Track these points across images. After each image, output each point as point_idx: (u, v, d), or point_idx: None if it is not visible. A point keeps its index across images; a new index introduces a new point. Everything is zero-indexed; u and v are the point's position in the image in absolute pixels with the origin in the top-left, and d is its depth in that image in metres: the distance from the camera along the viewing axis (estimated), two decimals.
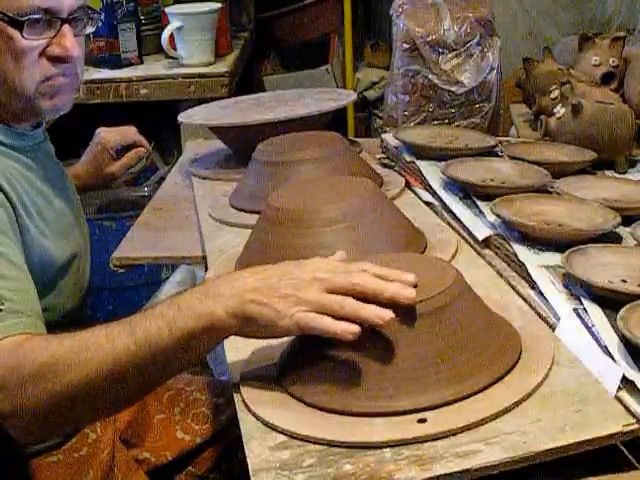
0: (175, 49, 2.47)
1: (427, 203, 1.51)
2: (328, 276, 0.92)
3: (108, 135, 1.70)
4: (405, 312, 0.92)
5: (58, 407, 0.96)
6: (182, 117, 1.90)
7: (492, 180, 1.45)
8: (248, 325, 0.92)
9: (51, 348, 0.96)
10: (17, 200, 1.18)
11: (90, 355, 0.94)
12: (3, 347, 0.99)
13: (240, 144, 1.77)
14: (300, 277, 0.92)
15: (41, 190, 1.26)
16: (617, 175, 1.56)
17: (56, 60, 1.23)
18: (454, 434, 0.86)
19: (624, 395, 0.91)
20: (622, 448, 0.88)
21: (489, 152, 1.62)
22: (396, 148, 1.71)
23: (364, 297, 0.90)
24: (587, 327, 1.03)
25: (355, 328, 0.88)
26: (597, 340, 1.00)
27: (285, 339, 1.04)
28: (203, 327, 0.92)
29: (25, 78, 1.21)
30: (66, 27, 1.23)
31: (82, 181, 1.65)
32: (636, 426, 0.86)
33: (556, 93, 1.71)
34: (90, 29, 1.30)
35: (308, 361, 0.96)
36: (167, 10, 2.50)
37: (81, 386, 0.94)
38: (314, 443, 0.88)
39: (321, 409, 0.92)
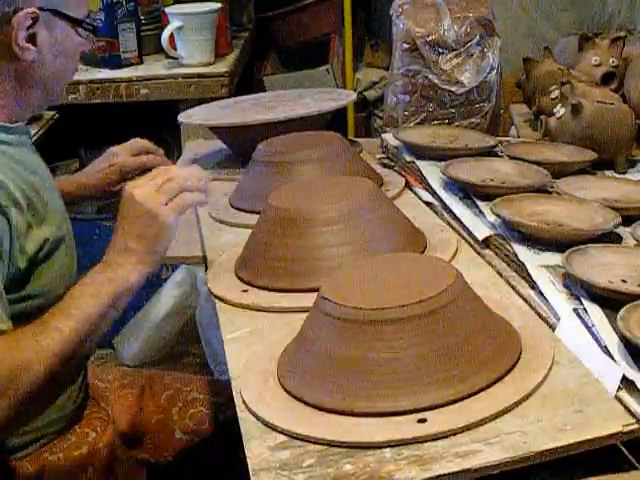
0: (175, 49, 2.47)
1: (427, 203, 1.51)
2: (148, 188, 1.18)
3: (129, 161, 1.65)
4: (405, 312, 0.92)
5: (25, 407, 1.06)
6: (182, 117, 1.90)
7: (492, 180, 1.45)
8: (152, 254, 1.18)
9: (5, 360, 1.04)
10: (7, 198, 1.18)
11: (43, 350, 1.07)
12: None
13: (240, 144, 1.77)
14: (141, 204, 1.17)
15: (28, 181, 1.26)
16: (617, 175, 1.56)
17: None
18: (454, 434, 0.86)
19: (624, 395, 0.91)
20: (622, 448, 0.88)
21: (489, 152, 1.62)
22: (396, 148, 1.71)
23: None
24: (587, 327, 1.03)
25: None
26: (597, 340, 1.00)
27: (285, 341, 1.04)
28: (122, 286, 1.15)
29: (72, 75, 1.35)
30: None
31: (85, 191, 1.64)
32: (636, 426, 0.86)
33: (556, 93, 1.71)
34: None
35: (308, 361, 0.96)
36: (167, 10, 2.50)
37: (42, 378, 1.06)
38: (314, 443, 0.88)
39: (321, 409, 0.92)
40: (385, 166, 1.72)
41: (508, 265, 1.24)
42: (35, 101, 1.31)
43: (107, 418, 1.41)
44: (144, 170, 1.64)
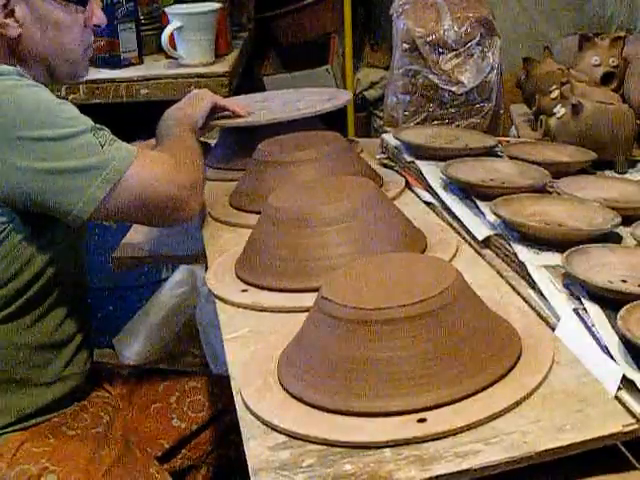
0: (175, 49, 2.47)
1: (427, 203, 1.51)
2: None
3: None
4: (405, 312, 0.92)
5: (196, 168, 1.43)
6: None
7: (492, 180, 1.45)
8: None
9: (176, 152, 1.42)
10: None
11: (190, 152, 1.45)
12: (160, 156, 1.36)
13: (239, 143, 1.77)
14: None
15: None
16: (617, 175, 1.56)
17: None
18: (454, 434, 0.86)
19: (624, 395, 0.91)
20: (622, 448, 0.88)
21: (489, 152, 1.62)
22: (396, 148, 1.71)
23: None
24: (587, 327, 1.03)
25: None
26: (597, 340, 1.00)
27: (285, 341, 1.04)
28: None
29: (75, 45, 1.40)
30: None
31: None
32: (636, 426, 0.86)
33: (556, 93, 1.71)
34: None
35: (308, 361, 0.96)
36: (167, 10, 2.50)
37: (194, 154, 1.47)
38: (314, 443, 0.88)
39: (321, 409, 0.92)
40: (385, 166, 1.72)
41: (508, 265, 1.24)
42: (41, 78, 1.35)
43: (116, 405, 1.47)
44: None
